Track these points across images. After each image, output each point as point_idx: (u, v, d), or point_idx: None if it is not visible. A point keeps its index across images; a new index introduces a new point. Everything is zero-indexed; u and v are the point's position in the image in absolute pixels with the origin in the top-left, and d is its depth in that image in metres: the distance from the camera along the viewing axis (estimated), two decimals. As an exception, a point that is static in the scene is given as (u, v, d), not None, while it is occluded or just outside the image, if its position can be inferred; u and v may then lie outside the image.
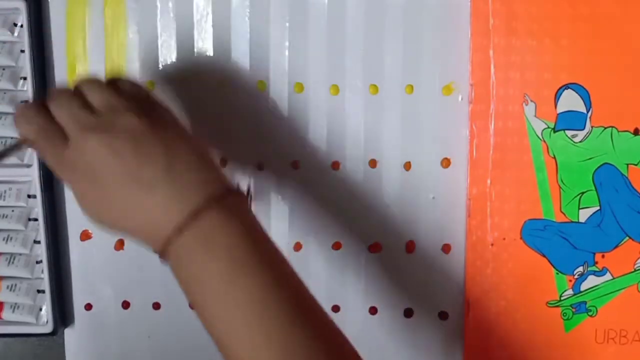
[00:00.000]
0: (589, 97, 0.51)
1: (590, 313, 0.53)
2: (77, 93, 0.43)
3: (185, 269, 0.40)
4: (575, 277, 0.52)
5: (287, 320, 0.38)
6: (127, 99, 0.42)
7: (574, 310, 0.53)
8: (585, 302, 0.53)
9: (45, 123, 0.42)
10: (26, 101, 0.44)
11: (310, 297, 0.41)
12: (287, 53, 0.52)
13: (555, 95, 0.51)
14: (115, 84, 0.44)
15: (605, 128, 0.51)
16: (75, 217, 0.55)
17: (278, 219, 0.54)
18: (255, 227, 0.41)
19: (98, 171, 0.40)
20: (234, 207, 0.41)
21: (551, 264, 0.52)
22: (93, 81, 0.44)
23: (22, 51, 0.52)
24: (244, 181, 0.50)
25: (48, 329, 0.54)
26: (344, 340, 0.40)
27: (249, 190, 0.43)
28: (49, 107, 0.43)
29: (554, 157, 0.51)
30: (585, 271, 0.52)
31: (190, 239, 0.39)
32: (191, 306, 0.55)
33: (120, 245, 0.55)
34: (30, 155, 0.53)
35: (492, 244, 0.52)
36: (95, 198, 0.42)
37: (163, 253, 0.40)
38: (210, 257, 0.39)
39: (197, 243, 0.39)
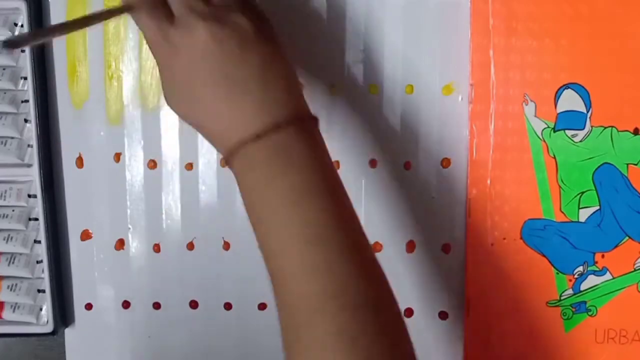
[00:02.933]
0: (589, 97, 0.51)
1: (590, 313, 0.53)
2: None
3: (253, 175, 0.40)
4: (575, 276, 0.52)
5: (340, 253, 0.39)
6: (240, 1, 0.42)
7: (573, 310, 0.53)
8: (585, 302, 0.53)
9: None
10: None
11: (362, 233, 0.41)
12: (286, 53, 0.52)
13: (555, 95, 0.51)
14: None
15: (605, 128, 0.51)
16: (75, 217, 0.55)
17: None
18: (325, 154, 0.42)
19: (197, 57, 0.40)
20: (311, 129, 0.42)
21: (551, 263, 0.52)
22: None
23: (23, 51, 0.53)
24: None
25: (48, 328, 0.55)
26: (385, 282, 0.40)
27: None
28: None
29: (554, 157, 0.51)
30: (585, 271, 0.52)
31: (267, 147, 0.40)
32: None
33: (120, 245, 0.55)
34: (31, 155, 0.53)
35: (492, 244, 0.52)
36: (182, 84, 0.41)
37: (231, 155, 0.40)
38: (282, 170, 0.39)
39: (272, 153, 0.40)
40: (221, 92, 0.40)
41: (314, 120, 0.42)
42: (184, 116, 0.43)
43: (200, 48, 0.40)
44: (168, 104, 0.43)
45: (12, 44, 0.37)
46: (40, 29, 0.39)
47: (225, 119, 0.41)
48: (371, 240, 0.53)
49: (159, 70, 0.43)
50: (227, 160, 0.41)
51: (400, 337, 0.39)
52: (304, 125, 0.41)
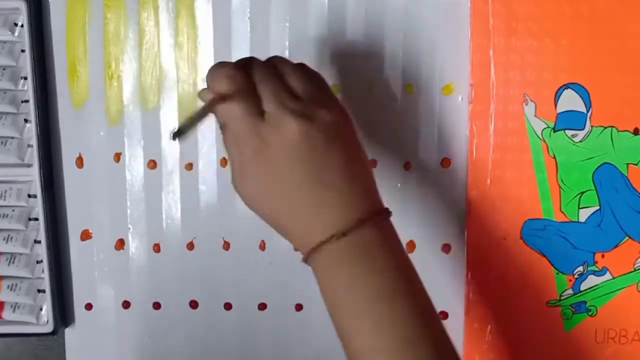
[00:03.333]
0: (589, 97, 0.51)
1: (590, 313, 0.53)
2: (277, 71, 0.42)
3: (336, 274, 0.40)
4: (575, 276, 0.52)
5: (425, 350, 0.39)
6: (325, 93, 0.43)
7: (573, 310, 0.53)
8: (585, 302, 0.53)
9: (247, 85, 0.41)
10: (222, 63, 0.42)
11: (445, 332, 0.41)
12: (287, 53, 0.52)
13: (555, 95, 0.51)
14: (307, 71, 0.44)
15: (605, 128, 0.51)
16: (75, 217, 0.55)
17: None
18: (401, 245, 0.42)
19: (285, 153, 0.40)
20: (389, 225, 0.42)
21: (551, 263, 0.52)
22: (292, 65, 0.43)
23: (23, 51, 0.53)
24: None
25: (48, 328, 0.55)
26: None
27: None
28: (250, 74, 0.42)
29: (554, 157, 0.51)
30: (585, 271, 0.52)
31: (351, 244, 0.40)
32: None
33: (120, 245, 0.55)
34: (31, 154, 0.53)
35: (492, 244, 0.52)
36: (265, 180, 0.41)
37: (312, 252, 0.40)
38: (365, 269, 0.40)
39: (355, 252, 0.40)
40: (306, 188, 0.40)
41: (388, 212, 0.42)
42: (260, 211, 0.42)
43: (289, 144, 0.40)
44: (243, 194, 0.42)
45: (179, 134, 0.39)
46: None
47: (308, 216, 0.40)
48: (371, 240, 0.54)
49: (236, 163, 0.41)
50: (306, 256, 0.41)
51: None
52: (384, 220, 0.42)
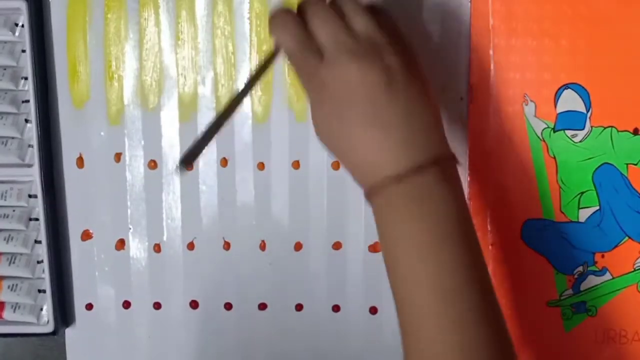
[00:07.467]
0: (589, 97, 0.51)
1: (590, 313, 0.53)
2: (337, 10, 0.43)
3: (393, 217, 0.41)
4: (575, 276, 0.52)
5: (474, 308, 0.39)
6: (388, 34, 0.43)
7: (573, 310, 0.53)
8: (585, 302, 0.53)
9: (304, 35, 0.42)
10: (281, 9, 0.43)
11: (492, 288, 0.42)
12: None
13: (555, 95, 0.51)
14: (376, 13, 0.44)
15: (605, 128, 0.51)
16: (76, 217, 0.55)
17: (278, 218, 0.54)
18: (462, 196, 0.42)
19: (345, 96, 0.41)
20: (452, 172, 0.42)
21: (551, 263, 0.52)
22: (355, 3, 0.43)
23: (23, 51, 0.53)
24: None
25: (49, 328, 0.55)
26: (511, 344, 0.42)
27: None
28: (306, 18, 0.42)
29: (554, 157, 0.51)
30: (585, 271, 0.52)
31: (409, 189, 0.40)
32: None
33: (120, 245, 0.55)
34: (31, 155, 0.53)
35: (492, 244, 0.52)
36: (329, 117, 0.42)
37: (372, 192, 0.41)
38: (422, 214, 0.40)
39: (414, 195, 0.40)
40: (366, 130, 0.41)
41: (454, 159, 0.42)
42: (329, 146, 0.43)
43: (349, 88, 0.40)
44: (315, 131, 0.43)
45: (187, 161, 0.40)
46: (207, 134, 0.43)
47: (368, 156, 0.41)
48: (371, 240, 0.54)
49: (309, 101, 0.43)
50: (367, 195, 0.42)
51: None
52: (445, 167, 0.41)
